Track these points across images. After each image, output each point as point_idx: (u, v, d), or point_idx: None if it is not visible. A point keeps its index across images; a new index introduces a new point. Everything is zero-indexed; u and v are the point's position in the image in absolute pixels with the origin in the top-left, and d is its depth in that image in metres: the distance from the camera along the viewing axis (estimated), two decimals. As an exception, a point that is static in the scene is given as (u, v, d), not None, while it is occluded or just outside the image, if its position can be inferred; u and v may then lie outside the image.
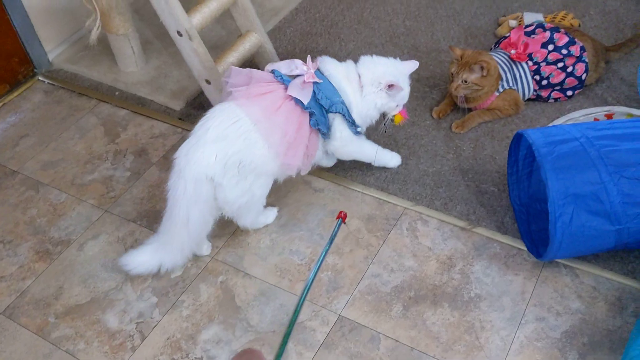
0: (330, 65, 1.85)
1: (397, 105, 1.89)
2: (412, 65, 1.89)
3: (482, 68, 2.07)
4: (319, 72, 1.82)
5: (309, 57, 1.84)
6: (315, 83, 1.78)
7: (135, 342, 1.69)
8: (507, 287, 1.73)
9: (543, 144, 1.64)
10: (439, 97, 2.32)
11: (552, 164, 1.59)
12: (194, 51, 2.14)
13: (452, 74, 2.12)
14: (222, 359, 1.64)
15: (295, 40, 2.67)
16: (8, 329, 1.75)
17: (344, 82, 1.83)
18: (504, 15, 2.64)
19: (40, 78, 2.60)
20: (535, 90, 2.21)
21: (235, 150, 1.67)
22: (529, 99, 2.24)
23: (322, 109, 1.79)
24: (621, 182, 1.56)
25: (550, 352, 1.58)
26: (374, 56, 1.90)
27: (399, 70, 1.87)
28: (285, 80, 1.77)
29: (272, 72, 1.81)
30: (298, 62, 1.82)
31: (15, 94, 2.54)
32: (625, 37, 2.46)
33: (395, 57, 1.91)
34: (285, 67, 1.82)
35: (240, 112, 1.70)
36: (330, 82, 1.81)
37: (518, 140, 1.83)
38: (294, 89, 1.75)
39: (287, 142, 1.73)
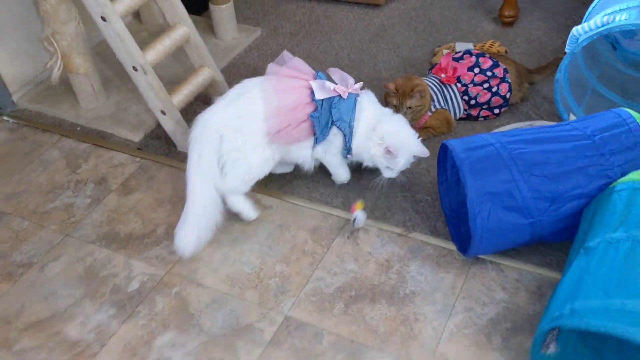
0: (369, 97, 2.08)
1: (387, 167, 2.04)
2: (423, 151, 2.01)
3: (419, 92, 2.28)
4: (353, 95, 2.01)
5: (361, 83, 2.06)
6: (340, 97, 1.98)
7: (95, 349, 1.79)
8: (439, 284, 1.88)
9: (461, 149, 1.82)
10: (379, 120, 2.50)
11: (469, 167, 1.77)
12: (149, 84, 2.31)
13: (394, 105, 2.30)
14: (176, 362, 1.75)
15: (249, 75, 2.79)
16: (-29, 346, 1.84)
17: (366, 114, 2.03)
18: (438, 46, 2.87)
19: (5, 118, 2.74)
20: (465, 110, 2.42)
21: (239, 115, 1.96)
22: (460, 118, 2.45)
23: (329, 118, 1.99)
24: (531, 180, 1.74)
25: (477, 337, 1.72)
26: (403, 119, 2.10)
27: (406, 143, 1.99)
28: (319, 76, 2.01)
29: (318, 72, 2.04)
30: (351, 80, 2.04)
31: (-19, 133, 2.68)
32: (547, 61, 2.70)
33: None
34: (338, 76, 2.05)
35: (257, 85, 1.99)
36: (355, 106, 2.01)
37: (445, 151, 2.01)
38: (318, 84, 1.98)
39: (278, 109, 1.94)
